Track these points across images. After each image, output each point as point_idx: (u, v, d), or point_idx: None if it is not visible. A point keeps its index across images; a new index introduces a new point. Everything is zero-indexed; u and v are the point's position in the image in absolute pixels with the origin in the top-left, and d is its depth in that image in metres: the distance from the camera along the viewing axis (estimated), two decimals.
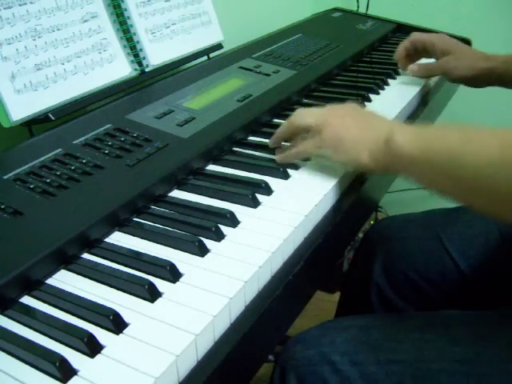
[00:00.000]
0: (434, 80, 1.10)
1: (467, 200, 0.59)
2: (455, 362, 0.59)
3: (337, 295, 1.09)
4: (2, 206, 0.59)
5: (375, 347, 0.63)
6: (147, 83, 0.93)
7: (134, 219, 0.64)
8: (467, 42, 1.36)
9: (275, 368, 0.69)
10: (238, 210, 0.64)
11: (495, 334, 0.61)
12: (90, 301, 0.51)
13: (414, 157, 0.59)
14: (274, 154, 0.76)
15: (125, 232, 0.62)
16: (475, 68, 0.95)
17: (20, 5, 0.75)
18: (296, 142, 0.73)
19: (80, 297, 0.51)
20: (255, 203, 0.65)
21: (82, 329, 0.47)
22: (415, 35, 1.04)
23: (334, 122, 0.67)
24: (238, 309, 0.52)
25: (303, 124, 0.70)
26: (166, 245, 0.59)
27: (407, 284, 0.88)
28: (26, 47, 0.76)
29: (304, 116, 0.71)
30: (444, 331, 0.63)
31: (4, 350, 0.46)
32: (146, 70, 0.94)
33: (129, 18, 0.92)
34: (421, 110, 1.02)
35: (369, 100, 0.98)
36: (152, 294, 0.51)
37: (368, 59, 1.21)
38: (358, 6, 1.65)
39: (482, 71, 0.95)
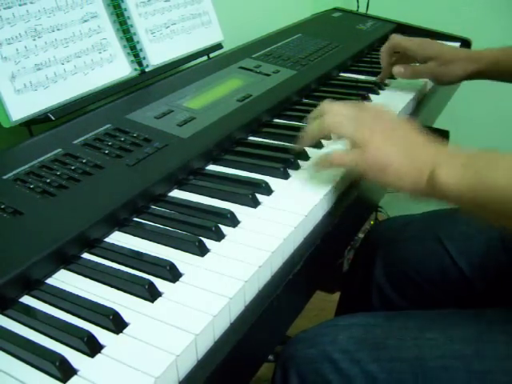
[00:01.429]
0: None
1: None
2: (456, 359, 0.60)
3: (337, 295, 1.09)
4: (2, 206, 0.59)
5: (376, 345, 0.64)
6: (147, 83, 0.93)
7: (134, 219, 0.64)
8: (467, 42, 1.36)
9: (276, 367, 0.69)
10: (238, 209, 0.64)
11: (495, 331, 0.62)
12: (90, 301, 0.51)
13: (460, 195, 0.57)
14: (274, 154, 0.76)
15: (125, 232, 0.62)
16: (463, 72, 0.95)
17: (20, 5, 0.75)
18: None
19: (80, 297, 0.51)
20: (255, 203, 0.65)
21: (81, 328, 0.47)
22: (394, 39, 1.01)
23: (377, 141, 0.62)
24: (238, 309, 0.52)
25: (340, 133, 0.66)
26: (166, 245, 0.59)
27: (408, 284, 0.88)
28: (25, 47, 0.76)
29: (341, 123, 0.65)
30: (444, 329, 0.63)
31: (4, 350, 0.46)
32: (146, 70, 0.94)
33: (129, 17, 0.92)
34: (421, 109, 1.02)
35: (369, 100, 0.99)
36: (152, 294, 0.51)
37: (368, 59, 1.21)
38: (358, 6, 1.65)
39: (470, 74, 0.95)
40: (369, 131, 0.63)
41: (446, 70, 0.96)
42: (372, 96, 1.00)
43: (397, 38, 1.01)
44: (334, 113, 0.67)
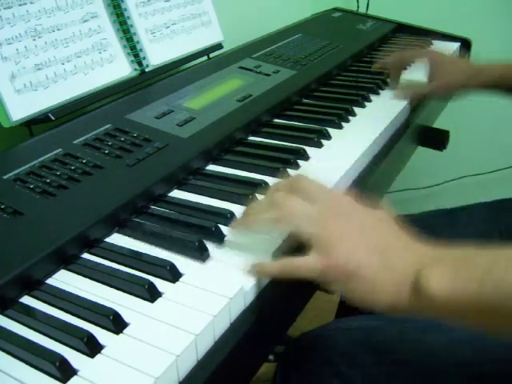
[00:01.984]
0: None
1: None
2: (456, 363, 0.59)
3: (337, 295, 1.09)
4: (2, 206, 0.59)
5: (376, 349, 0.63)
6: (147, 83, 0.93)
7: (134, 219, 0.64)
8: (467, 42, 1.36)
9: (277, 370, 0.69)
10: (238, 210, 0.64)
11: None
12: (90, 301, 0.51)
13: (461, 308, 0.45)
14: (274, 154, 0.76)
15: (125, 232, 0.62)
16: (466, 86, 0.95)
17: (20, 5, 0.75)
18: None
19: (80, 297, 0.51)
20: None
21: (81, 329, 0.47)
22: (397, 56, 1.03)
23: (346, 245, 0.50)
24: (238, 309, 0.52)
25: (299, 231, 0.52)
26: (166, 245, 0.59)
27: None
28: (26, 47, 0.76)
29: (300, 220, 0.52)
30: (444, 332, 0.63)
31: (4, 350, 0.46)
32: (146, 70, 0.94)
33: (129, 17, 0.92)
34: (421, 109, 1.02)
35: (369, 100, 0.99)
36: (152, 294, 0.51)
37: (368, 59, 1.21)
38: (358, 6, 1.65)
39: (473, 88, 0.95)
40: (335, 232, 0.51)
41: (449, 86, 0.96)
42: (372, 96, 1.00)
43: (399, 54, 1.03)
44: (294, 208, 0.53)
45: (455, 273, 0.45)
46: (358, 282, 0.49)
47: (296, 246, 0.54)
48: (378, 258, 0.49)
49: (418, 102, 1.02)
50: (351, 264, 0.49)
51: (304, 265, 0.51)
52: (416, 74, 1.04)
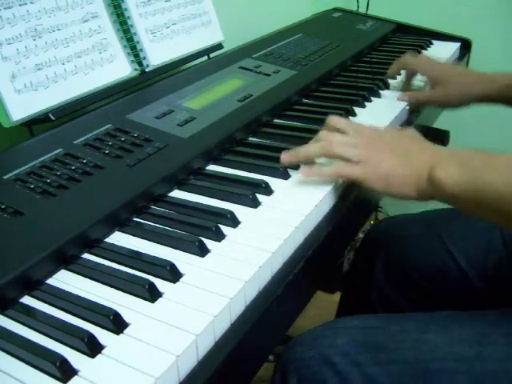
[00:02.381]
0: None
1: None
2: (456, 361, 0.59)
3: (337, 295, 1.09)
4: (2, 206, 0.59)
5: (376, 348, 0.63)
6: (147, 83, 0.93)
7: (134, 219, 0.64)
8: (467, 42, 1.36)
9: (276, 370, 0.68)
10: (238, 210, 0.64)
11: (496, 333, 0.61)
12: (90, 301, 0.51)
13: (458, 193, 0.60)
14: (274, 154, 0.76)
15: (125, 232, 0.62)
16: (470, 95, 0.94)
17: (20, 5, 0.75)
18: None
19: (80, 297, 0.51)
20: (255, 203, 0.65)
21: (82, 329, 0.47)
22: (406, 59, 1.02)
23: (377, 157, 0.66)
24: (239, 309, 0.52)
25: (343, 156, 0.67)
26: (166, 245, 0.59)
27: (408, 283, 0.88)
28: (26, 47, 0.75)
29: (341, 146, 0.68)
30: (444, 331, 0.63)
31: (4, 350, 0.46)
32: (146, 70, 0.94)
33: (129, 17, 0.92)
34: (421, 109, 1.02)
35: (369, 100, 0.98)
36: (152, 294, 0.51)
37: (368, 59, 1.21)
38: (358, 6, 1.65)
39: (477, 97, 0.94)
40: (369, 150, 0.67)
41: (452, 94, 0.94)
42: (372, 96, 1.00)
43: (408, 58, 1.02)
44: (334, 139, 0.69)
45: (460, 166, 0.60)
46: (391, 179, 0.65)
47: None
48: (403, 159, 0.65)
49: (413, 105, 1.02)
50: (384, 167, 0.65)
51: (351, 170, 0.66)
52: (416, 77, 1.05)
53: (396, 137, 0.70)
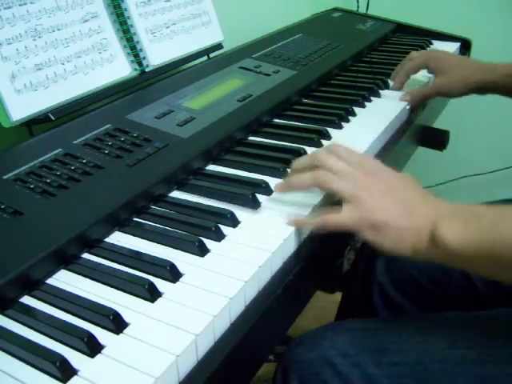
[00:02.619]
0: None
1: None
2: (457, 363, 0.59)
3: (337, 295, 1.09)
4: (2, 206, 0.59)
5: (377, 349, 0.63)
6: (147, 83, 0.93)
7: (134, 219, 0.64)
8: (467, 42, 1.36)
9: (276, 370, 0.68)
10: (238, 209, 0.64)
11: (497, 334, 0.61)
12: (90, 301, 0.51)
13: (470, 255, 0.53)
14: (274, 154, 0.76)
15: (125, 232, 0.62)
16: (470, 82, 0.94)
17: (20, 5, 0.75)
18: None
19: (80, 297, 0.51)
20: (255, 203, 0.65)
21: (82, 329, 0.47)
22: (406, 66, 1.01)
23: (373, 199, 0.58)
24: (238, 309, 0.52)
25: (332, 189, 0.60)
26: (166, 245, 0.59)
27: (410, 283, 0.88)
28: (26, 47, 0.76)
29: (337, 180, 0.60)
30: (446, 333, 0.63)
31: (4, 350, 0.46)
32: (146, 70, 0.94)
33: (129, 17, 0.92)
34: (421, 109, 1.02)
35: (369, 100, 0.99)
36: (152, 294, 0.51)
37: (368, 59, 1.21)
38: (358, 6, 1.65)
39: (477, 85, 0.94)
40: (365, 189, 0.59)
41: (454, 83, 0.95)
42: (372, 96, 1.00)
43: (414, 56, 1.01)
44: (328, 167, 0.61)
45: (467, 224, 0.53)
46: (385, 230, 0.56)
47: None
48: (402, 209, 0.57)
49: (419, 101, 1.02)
50: (379, 214, 0.57)
51: (338, 219, 0.58)
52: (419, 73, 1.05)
53: (398, 179, 0.61)
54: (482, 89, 0.95)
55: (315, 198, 0.66)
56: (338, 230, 0.59)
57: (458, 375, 0.59)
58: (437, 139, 1.20)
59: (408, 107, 0.96)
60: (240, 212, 0.64)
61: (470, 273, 0.58)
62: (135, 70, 0.92)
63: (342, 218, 0.58)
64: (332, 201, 0.65)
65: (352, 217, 0.58)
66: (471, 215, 0.54)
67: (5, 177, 0.64)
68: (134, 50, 0.92)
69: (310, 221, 0.62)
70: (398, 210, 0.57)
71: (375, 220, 0.57)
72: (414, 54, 1.03)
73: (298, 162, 0.66)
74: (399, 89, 1.03)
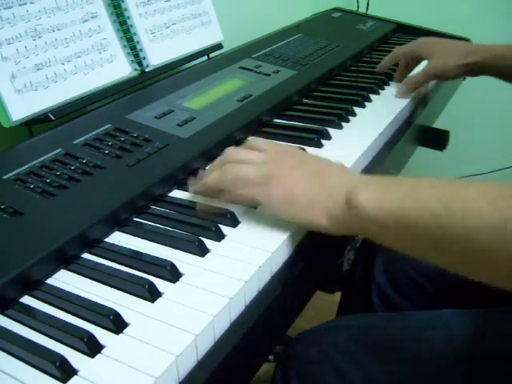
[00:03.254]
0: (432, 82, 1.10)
1: (454, 265, 0.50)
2: (456, 361, 0.59)
3: (337, 295, 1.09)
4: (2, 206, 0.59)
5: (376, 347, 0.64)
6: (147, 83, 0.93)
7: (134, 219, 0.64)
8: (467, 41, 1.36)
9: (276, 368, 0.69)
10: (238, 209, 0.64)
11: (496, 332, 0.62)
12: (90, 301, 0.51)
13: (384, 220, 0.50)
14: None
15: (125, 232, 0.62)
16: (464, 64, 0.94)
17: (20, 5, 0.75)
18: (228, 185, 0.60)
19: (80, 297, 0.51)
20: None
21: (82, 329, 0.47)
22: (400, 50, 1.03)
23: (280, 174, 0.56)
24: (238, 309, 0.52)
25: (242, 177, 0.57)
26: (166, 245, 0.59)
27: (408, 283, 0.88)
28: (26, 47, 0.76)
29: (242, 167, 0.58)
30: (445, 330, 0.63)
31: (4, 350, 0.46)
32: (146, 70, 0.94)
33: (129, 17, 0.92)
34: (421, 109, 1.02)
35: (369, 100, 0.99)
36: (152, 294, 0.51)
37: (368, 59, 1.21)
38: (358, 6, 1.66)
39: (469, 66, 0.95)
40: (274, 166, 0.57)
41: (445, 65, 0.95)
42: (372, 96, 1.00)
43: (400, 48, 1.03)
44: (232, 155, 0.61)
45: (382, 190, 0.51)
46: (295, 199, 0.55)
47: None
48: (314, 178, 0.56)
49: (418, 102, 1.02)
50: (288, 184, 0.55)
51: (247, 193, 0.57)
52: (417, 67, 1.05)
53: (312, 156, 0.61)
54: (475, 70, 0.96)
55: None
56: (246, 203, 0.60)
57: (457, 373, 0.59)
58: (437, 139, 1.20)
59: (408, 105, 0.96)
60: (240, 212, 0.63)
61: (391, 247, 0.53)
62: (135, 70, 0.92)
63: (249, 193, 0.57)
64: None
65: (260, 192, 0.56)
66: (387, 182, 0.53)
67: (5, 177, 0.64)
68: (134, 50, 0.92)
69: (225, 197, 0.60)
70: (309, 179, 0.56)
71: (285, 192, 0.55)
72: (401, 47, 1.04)
73: (212, 165, 0.64)
74: (384, 69, 1.07)
